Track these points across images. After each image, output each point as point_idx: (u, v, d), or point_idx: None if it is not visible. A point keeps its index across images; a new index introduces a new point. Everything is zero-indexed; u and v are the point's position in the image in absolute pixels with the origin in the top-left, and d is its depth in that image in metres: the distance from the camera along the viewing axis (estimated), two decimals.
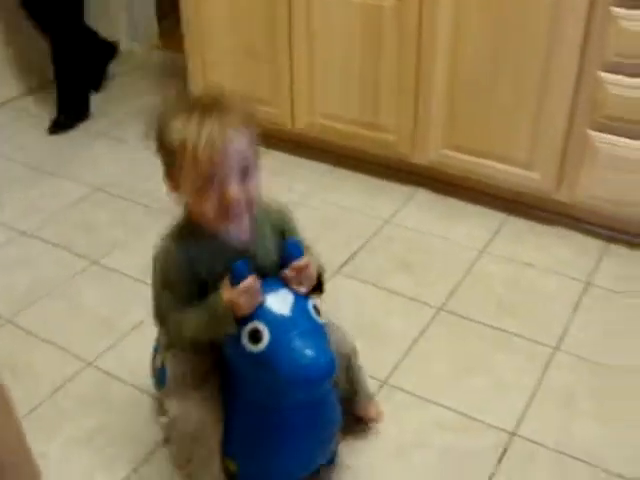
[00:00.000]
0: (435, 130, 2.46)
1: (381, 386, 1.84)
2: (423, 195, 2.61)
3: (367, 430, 1.72)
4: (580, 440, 1.70)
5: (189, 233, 1.39)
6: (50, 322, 2.05)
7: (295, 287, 1.36)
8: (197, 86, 2.93)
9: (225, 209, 1.30)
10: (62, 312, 2.10)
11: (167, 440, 1.51)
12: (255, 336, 1.29)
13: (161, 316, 1.43)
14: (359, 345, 1.63)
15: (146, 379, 1.80)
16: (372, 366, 1.77)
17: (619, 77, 2.09)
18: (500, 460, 1.65)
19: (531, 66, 2.19)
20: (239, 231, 1.37)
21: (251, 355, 1.30)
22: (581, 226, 2.40)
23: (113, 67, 3.58)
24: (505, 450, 1.67)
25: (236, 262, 1.31)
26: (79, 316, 2.09)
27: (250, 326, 1.30)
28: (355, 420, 1.70)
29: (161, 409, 1.58)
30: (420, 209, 2.54)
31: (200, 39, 2.81)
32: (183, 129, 1.26)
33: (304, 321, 1.33)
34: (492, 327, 2.02)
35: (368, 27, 2.40)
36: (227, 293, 1.30)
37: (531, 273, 2.23)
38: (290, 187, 2.65)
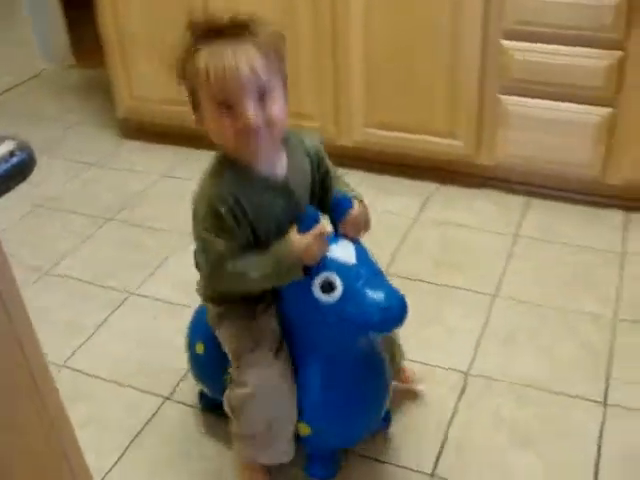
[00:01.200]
0: (357, 111, 2.61)
1: None
2: (355, 175, 2.74)
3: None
4: (525, 370, 1.87)
5: (227, 169, 1.35)
6: None
7: (353, 236, 1.38)
8: (123, 101, 3.02)
9: (244, 133, 1.27)
10: None
11: (235, 412, 1.47)
12: (329, 286, 1.30)
13: (216, 267, 1.34)
14: None
15: (121, 371, 1.90)
16: None
17: (520, 43, 2.29)
18: (460, 397, 1.81)
19: (439, 40, 2.37)
20: (272, 162, 1.36)
21: (326, 306, 1.31)
22: (504, 185, 2.59)
23: (30, 86, 3.62)
24: (463, 388, 1.83)
25: (308, 207, 1.34)
26: (43, 323, 2.13)
27: (321, 277, 1.31)
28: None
29: (229, 382, 1.51)
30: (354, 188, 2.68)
31: (122, 53, 2.89)
32: (198, 55, 1.27)
33: (369, 266, 1.37)
34: (434, 284, 2.18)
35: (283, 20, 2.52)
36: (298, 239, 1.30)
37: (464, 233, 2.41)
38: None
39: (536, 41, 2.27)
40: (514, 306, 2.08)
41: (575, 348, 1.93)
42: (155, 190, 2.79)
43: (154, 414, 1.81)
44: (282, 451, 1.49)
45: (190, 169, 2.88)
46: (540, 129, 2.38)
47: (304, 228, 1.30)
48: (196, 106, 1.33)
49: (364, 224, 1.42)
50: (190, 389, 1.85)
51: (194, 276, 1.50)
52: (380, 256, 2.29)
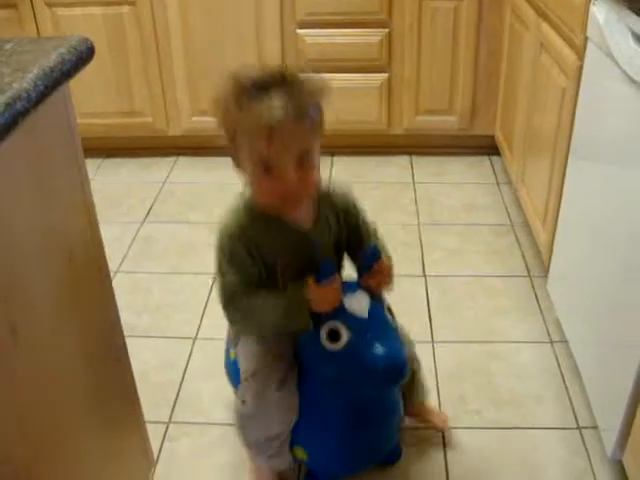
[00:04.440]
0: (182, 104, 3.05)
1: None
2: (183, 161, 3.20)
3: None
4: None
5: (254, 212, 1.33)
6: None
7: (374, 288, 1.38)
8: None
9: (282, 193, 1.24)
10: None
11: (236, 423, 1.58)
12: (334, 335, 1.34)
13: (227, 297, 1.35)
14: None
15: None
16: None
17: (311, 30, 2.88)
18: None
19: (246, 34, 2.90)
20: (299, 215, 1.35)
21: (329, 353, 1.35)
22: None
23: None
24: None
25: (324, 261, 1.34)
26: None
27: (329, 325, 1.34)
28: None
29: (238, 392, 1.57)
30: (185, 170, 3.14)
31: None
32: (247, 107, 1.20)
33: (380, 323, 1.37)
34: None
35: (112, 32, 2.93)
36: (312, 288, 1.31)
37: None
38: None
39: (322, 27, 2.87)
40: None
41: (396, 248, 2.49)
42: None
43: None
44: (277, 462, 1.58)
45: None
46: (334, 98, 2.96)
47: (320, 278, 1.33)
48: (235, 152, 1.29)
49: (387, 280, 1.40)
50: None
51: None
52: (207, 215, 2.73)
